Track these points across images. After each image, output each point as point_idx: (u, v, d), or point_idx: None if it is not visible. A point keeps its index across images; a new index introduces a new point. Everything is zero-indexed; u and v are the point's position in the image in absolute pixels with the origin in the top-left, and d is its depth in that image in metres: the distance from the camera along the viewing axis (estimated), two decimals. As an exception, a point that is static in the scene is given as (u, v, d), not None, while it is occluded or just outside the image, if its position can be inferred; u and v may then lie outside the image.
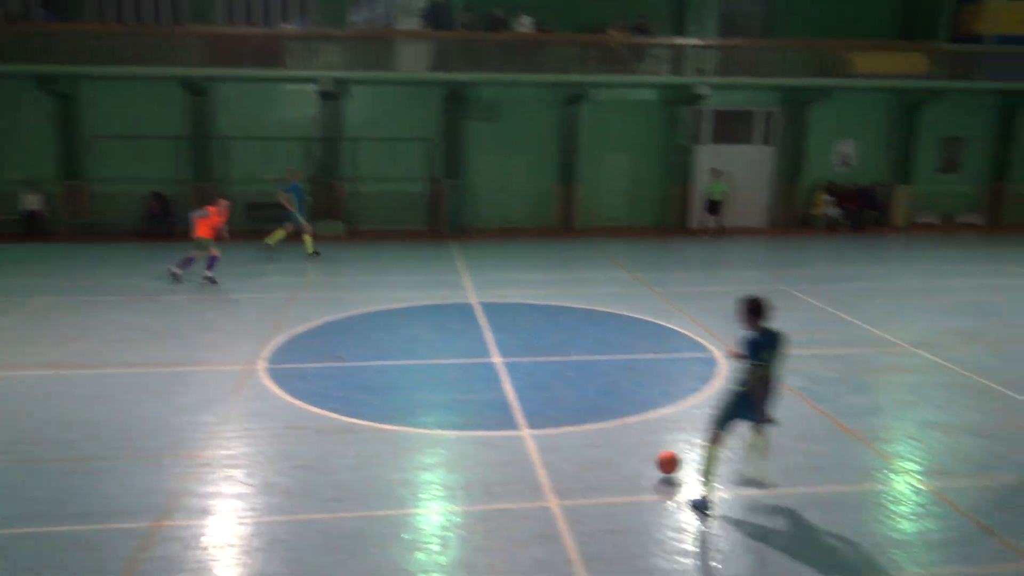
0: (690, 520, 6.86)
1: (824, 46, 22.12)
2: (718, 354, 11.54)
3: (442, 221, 22.28)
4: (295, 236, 18.48)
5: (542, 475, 7.63)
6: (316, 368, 10.81)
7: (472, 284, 15.95)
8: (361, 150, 22.16)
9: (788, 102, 23.52)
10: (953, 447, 8.46)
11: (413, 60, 20.80)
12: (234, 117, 21.73)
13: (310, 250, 18.37)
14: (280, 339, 12.01)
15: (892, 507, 7.15)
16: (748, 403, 6.96)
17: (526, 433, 8.62)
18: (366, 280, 16.52)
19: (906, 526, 6.82)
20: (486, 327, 12.80)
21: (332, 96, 21.23)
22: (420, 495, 7.31)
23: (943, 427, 8.99)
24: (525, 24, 21.46)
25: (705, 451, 7.06)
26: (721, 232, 22.50)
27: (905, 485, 7.57)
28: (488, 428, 8.76)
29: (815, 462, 8.00)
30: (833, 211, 23.76)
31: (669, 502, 7.19)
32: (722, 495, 7.27)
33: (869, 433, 8.77)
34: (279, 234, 18.33)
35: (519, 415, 9.13)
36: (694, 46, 21.88)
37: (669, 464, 7.66)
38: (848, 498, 7.29)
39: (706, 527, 6.75)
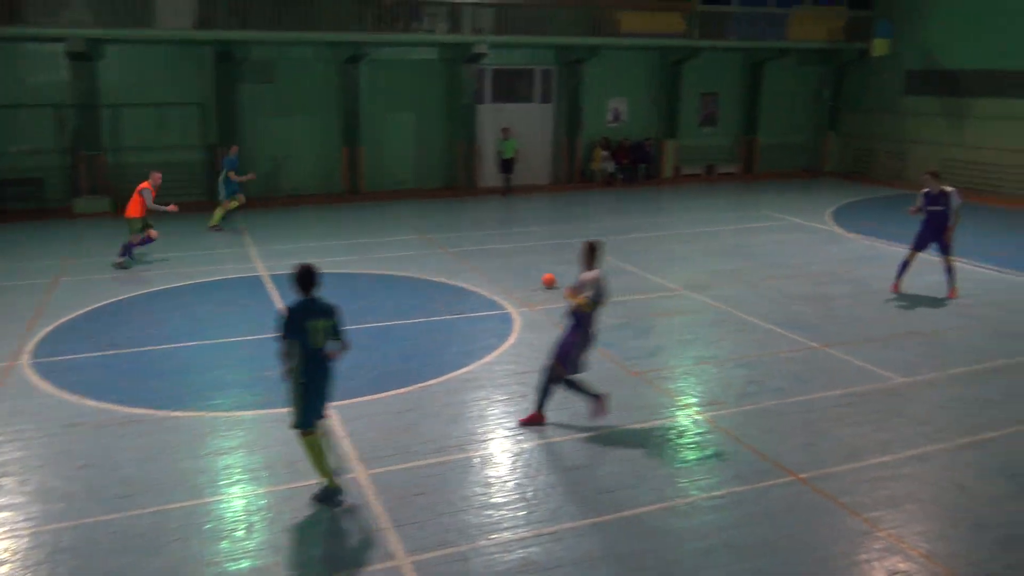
0: (497, 474, 7.10)
1: (594, 4, 23.05)
2: (513, 310, 11.91)
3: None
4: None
5: (347, 446, 7.56)
6: (90, 358, 9.95)
7: (259, 255, 15.31)
8: (123, 118, 20.35)
9: (564, 61, 24.35)
10: (723, 378, 9.34)
11: (174, 16, 19.30)
12: (-36, 82, 19.20)
13: (214, 222, 17.63)
14: (46, 329, 10.93)
15: (677, 440, 7.80)
16: (315, 389, 6.59)
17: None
18: (142, 259, 15.35)
19: (688, 454, 7.47)
20: (278, 299, 12.37)
21: (85, 57, 19.23)
22: (219, 481, 7.00)
23: (714, 361, 9.89)
24: (294, -21, 20.56)
25: (303, 445, 6.62)
26: (510, 190, 23.10)
27: (686, 418, 8.27)
28: (284, 405, 8.49)
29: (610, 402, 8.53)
30: (609, 166, 25.06)
31: (475, 458, 7.39)
32: (523, 445, 7.58)
33: (652, 373, 9.47)
34: (233, 204, 17.90)
35: (319, 388, 8.93)
36: (471, 4, 22.01)
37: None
38: (638, 435, 7.85)
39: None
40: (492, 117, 24.01)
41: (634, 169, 25.57)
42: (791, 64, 27.09)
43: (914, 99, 25.23)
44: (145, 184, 14.42)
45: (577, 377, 7.85)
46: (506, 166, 23.01)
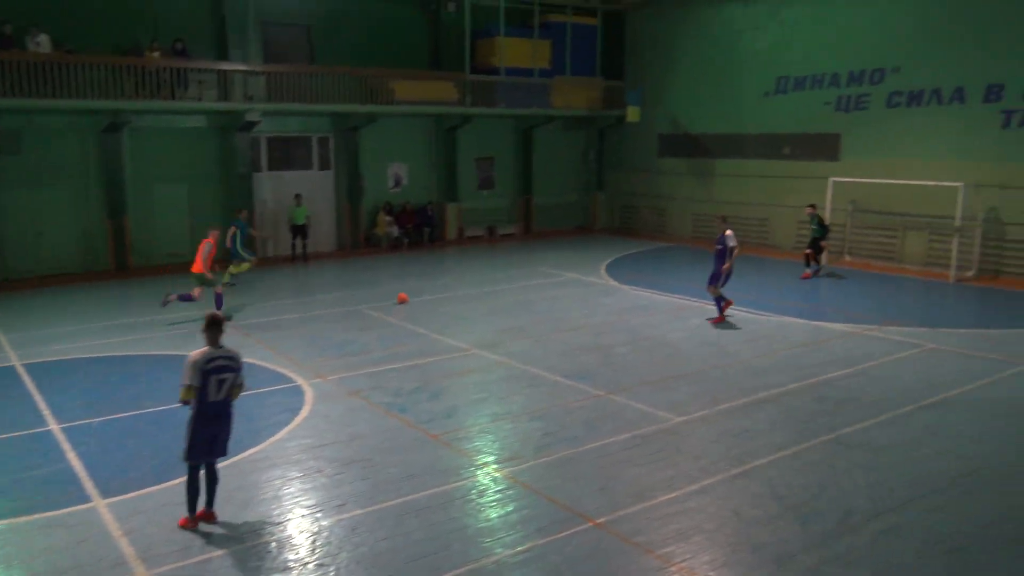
0: (296, 557, 6.78)
1: (367, 73, 23.38)
2: (304, 382, 11.54)
3: (-40, 273, 18.85)
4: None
5: (125, 546, 6.91)
6: None
7: (11, 343, 13.76)
8: None
9: (340, 127, 24.38)
10: (519, 433, 9.58)
11: None
12: None
13: (225, 279, 17.74)
14: None
15: (477, 499, 7.86)
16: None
17: (101, 503, 7.72)
18: None
19: (491, 513, 7.55)
20: (35, 391, 11.16)
21: None
22: (-29, 606, 6.13)
23: (509, 416, 10.13)
24: (41, 43, 19.08)
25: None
26: (304, 257, 22.70)
27: (486, 476, 8.37)
28: (52, 508, 7.65)
29: (407, 471, 8.44)
30: (394, 230, 25.24)
31: (271, 542, 7.01)
32: (322, 522, 7.31)
33: (450, 435, 9.52)
34: (244, 266, 18.97)
35: (89, 485, 8.13)
36: (240, 71, 21.55)
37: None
38: (440, 499, 7.83)
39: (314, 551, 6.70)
40: (271, 185, 23.47)
41: (419, 233, 25.93)
42: (558, 129, 28.95)
43: (667, 160, 27.77)
44: (209, 239, 15.41)
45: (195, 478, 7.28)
46: (299, 232, 22.61)
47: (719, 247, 14.90)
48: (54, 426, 9.84)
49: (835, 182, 21.46)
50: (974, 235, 19.24)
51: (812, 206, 19.89)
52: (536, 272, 20.89)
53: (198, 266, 15.10)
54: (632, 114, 27.23)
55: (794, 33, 23.36)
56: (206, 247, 15.24)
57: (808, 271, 19.59)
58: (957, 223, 19.08)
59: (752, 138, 24.78)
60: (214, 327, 7.17)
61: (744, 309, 15.97)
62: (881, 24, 21.21)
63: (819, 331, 14.34)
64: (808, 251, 19.72)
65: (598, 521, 7.30)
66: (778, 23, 23.73)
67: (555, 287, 18.81)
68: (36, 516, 7.47)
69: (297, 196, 22.79)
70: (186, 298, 15.23)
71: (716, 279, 14.91)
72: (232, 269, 18.72)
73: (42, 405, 10.59)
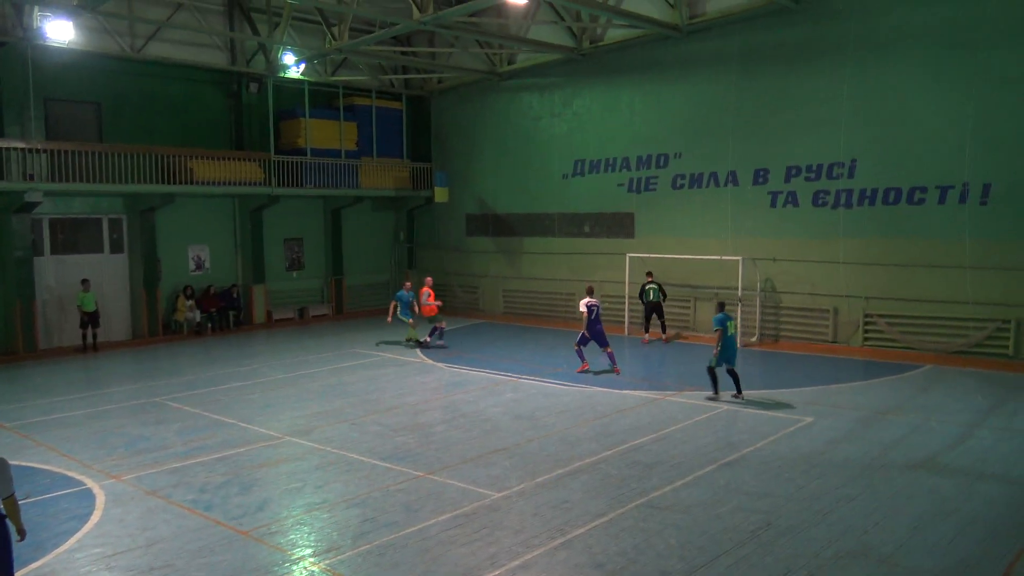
0: None
1: (163, 152, 22.40)
2: (94, 484, 10.53)
3: None
4: None
5: None
6: None
7: None
8: None
9: (135, 208, 23.08)
10: (337, 522, 9.22)
11: None
12: None
13: (412, 336, 21.41)
14: None
15: (294, 596, 7.43)
16: None
17: None
18: None
19: (309, 610, 7.15)
20: None
21: None
22: None
23: (325, 506, 9.74)
24: None
25: None
26: (95, 347, 20.91)
27: (302, 572, 7.95)
28: None
29: (215, 574, 7.85)
30: (195, 315, 23.96)
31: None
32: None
33: (262, 529, 9.00)
34: (411, 332, 21.33)
35: None
36: (18, 149, 19.96)
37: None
38: (252, 601, 7.33)
39: None
40: (55, 270, 21.66)
41: (224, 317, 24.77)
42: (367, 209, 29.02)
43: (476, 239, 28.51)
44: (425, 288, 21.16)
45: None
46: (90, 320, 20.92)
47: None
48: None
49: (632, 257, 22.92)
50: (755, 303, 21.12)
51: (649, 273, 21.64)
52: (349, 353, 20.50)
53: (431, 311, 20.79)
54: (440, 195, 27.83)
55: (587, 120, 25.02)
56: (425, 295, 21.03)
57: (646, 336, 21.44)
58: (739, 293, 20.88)
59: (555, 217, 26.02)
60: None
61: (555, 381, 16.47)
62: (661, 115, 23.21)
63: (625, 399, 15.03)
64: (650, 316, 21.50)
65: (422, 607, 7.11)
66: (573, 111, 25.36)
67: (370, 367, 18.53)
68: None
69: (84, 281, 21.20)
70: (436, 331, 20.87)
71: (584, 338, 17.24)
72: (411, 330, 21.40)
73: None
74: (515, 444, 12.18)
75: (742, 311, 20.88)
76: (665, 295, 21.63)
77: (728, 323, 14.59)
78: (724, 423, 13.26)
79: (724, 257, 21.22)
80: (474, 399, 15.15)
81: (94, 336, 21.34)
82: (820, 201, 20.12)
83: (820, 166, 20.02)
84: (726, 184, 21.90)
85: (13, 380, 17.94)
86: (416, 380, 17.09)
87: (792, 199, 20.60)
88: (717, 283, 21.87)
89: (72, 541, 8.72)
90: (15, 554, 6.57)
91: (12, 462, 11.31)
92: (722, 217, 21.95)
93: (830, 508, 9.30)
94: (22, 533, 6.36)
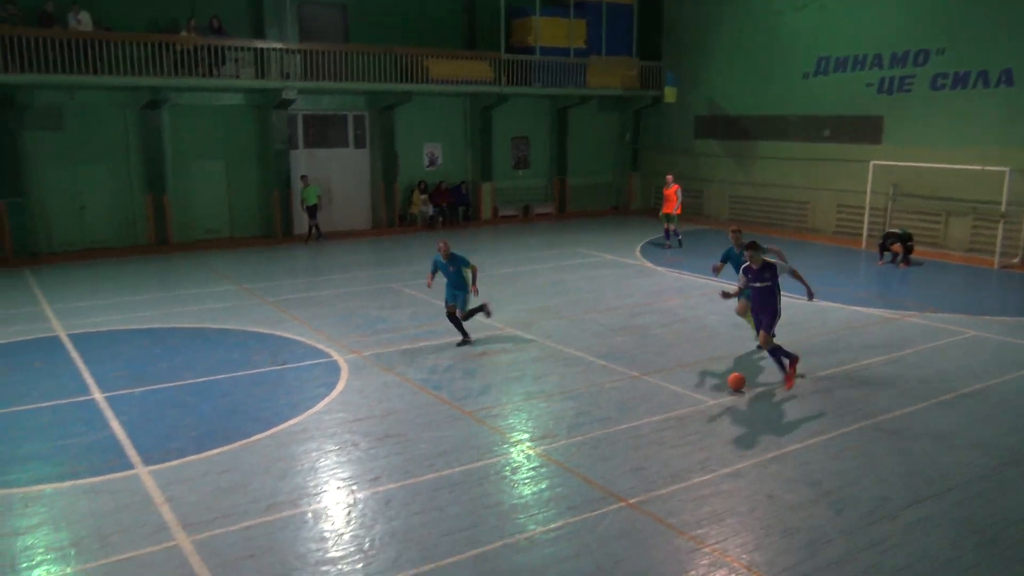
0: (332, 527, 6.89)
1: (401, 51, 23.35)
2: (339, 357, 11.67)
3: (7, 247, 19.25)
4: None
5: (167, 512, 7.06)
6: None
7: (56, 314, 14.08)
8: None
9: (375, 106, 24.42)
10: (553, 412, 9.60)
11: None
12: None
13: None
14: None
15: (511, 476, 7.91)
16: None
17: (143, 471, 7.90)
18: None
19: (524, 490, 7.60)
20: (79, 360, 11.41)
21: None
22: (20, 564, 6.31)
23: (543, 395, 10.16)
24: (83, 21, 19.31)
25: None
26: (319, 236, 22.70)
27: (519, 454, 8.42)
28: (96, 473, 7.85)
29: (441, 447, 8.51)
30: (428, 209, 25.30)
31: (307, 513, 7.13)
32: (357, 495, 7.41)
33: (484, 412, 9.58)
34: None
35: (132, 452, 8.32)
36: (277, 49, 21.63)
37: (737, 383, 10.01)
38: (474, 474, 7.89)
39: (342, 529, 6.82)
40: (306, 162, 23.62)
41: (454, 212, 25.97)
42: (593, 109, 28.70)
43: (703, 142, 27.44)
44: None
45: None
46: (311, 212, 22.62)
47: (764, 280, 10.52)
48: (97, 395, 10.07)
49: (876, 165, 21.09)
50: (1020, 221, 18.81)
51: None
52: (571, 252, 20.83)
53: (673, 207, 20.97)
54: (669, 95, 26.89)
55: (835, 13, 22.86)
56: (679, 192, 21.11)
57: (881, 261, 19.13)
58: (1003, 209, 18.65)
59: (792, 120, 24.37)
60: None
61: (786, 294, 15.80)
62: (925, 3, 20.71)
63: (857, 316, 14.14)
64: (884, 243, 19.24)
65: (631, 501, 7.31)
66: (819, 3, 23.25)
67: (589, 268, 18.75)
68: (80, 481, 7.67)
69: (303, 177, 22.74)
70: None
71: (771, 319, 10.54)
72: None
73: (86, 374, 10.84)
74: (734, 354, 11.93)
75: (1005, 230, 18.69)
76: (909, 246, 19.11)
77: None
78: (967, 350, 12.14)
79: (988, 168, 18.93)
80: (694, 305, 14.91)
81: (316, 227, 22.91)
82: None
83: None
84: (997, 84, 19.31)
85: (272, 261, 20.07)
86: (635, 282, 17.09)
87: (1080, 102, 17.84)
88: (974, 197, 19.65)
89: (321, 404, 9.78)
90: (274, 409, 7.37)
91: (275, 334, 12.90)
92: (987, 123, 19.49)
93: (1092, 452, 8.33)
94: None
